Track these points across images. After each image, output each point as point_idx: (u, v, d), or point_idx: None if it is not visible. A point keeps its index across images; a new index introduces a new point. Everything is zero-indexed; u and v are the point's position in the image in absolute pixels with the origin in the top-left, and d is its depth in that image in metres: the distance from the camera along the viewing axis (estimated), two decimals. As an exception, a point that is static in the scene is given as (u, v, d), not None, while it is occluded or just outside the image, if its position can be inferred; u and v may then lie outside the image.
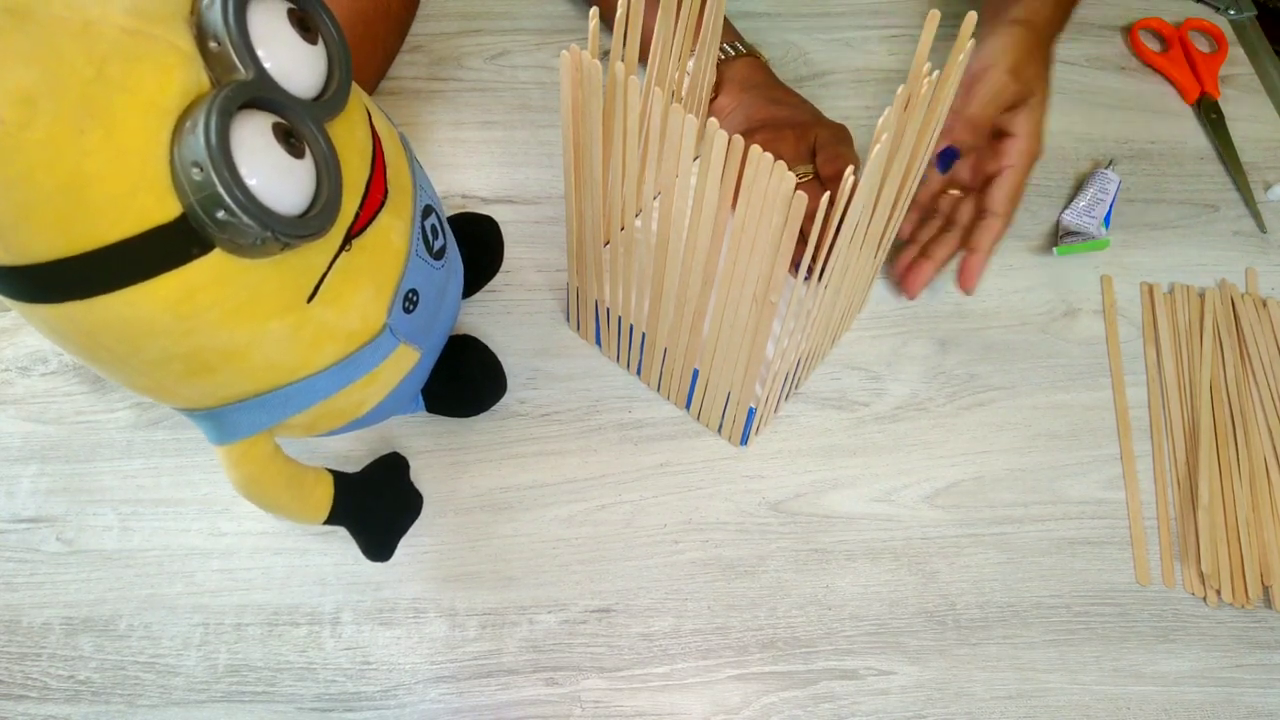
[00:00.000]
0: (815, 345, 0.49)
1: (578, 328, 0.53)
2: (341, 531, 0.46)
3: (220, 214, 0.28)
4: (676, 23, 0.45)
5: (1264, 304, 0.58)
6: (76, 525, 0.46)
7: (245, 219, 0.28)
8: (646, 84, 0.43)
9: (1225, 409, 0.53)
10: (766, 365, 0.46)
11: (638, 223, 0.47)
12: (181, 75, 0.27)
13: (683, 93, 0.51)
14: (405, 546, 0.46)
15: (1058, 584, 0.48)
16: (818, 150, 0.52)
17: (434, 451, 0.49)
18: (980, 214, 0.53)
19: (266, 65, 0.29)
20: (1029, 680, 0.45)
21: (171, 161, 0.27)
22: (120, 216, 0.27)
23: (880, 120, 0.34)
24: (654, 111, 0.38)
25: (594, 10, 0.35)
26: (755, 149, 0.33)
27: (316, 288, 0.33)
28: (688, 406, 0.50)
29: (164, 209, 0.28)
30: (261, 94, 0.29)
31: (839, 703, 0.44)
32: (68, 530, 0.46)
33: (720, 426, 0.50)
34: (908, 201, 0.45)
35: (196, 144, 0.27)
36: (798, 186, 0.34)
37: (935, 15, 0.36)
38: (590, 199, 0.42)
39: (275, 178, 0.29)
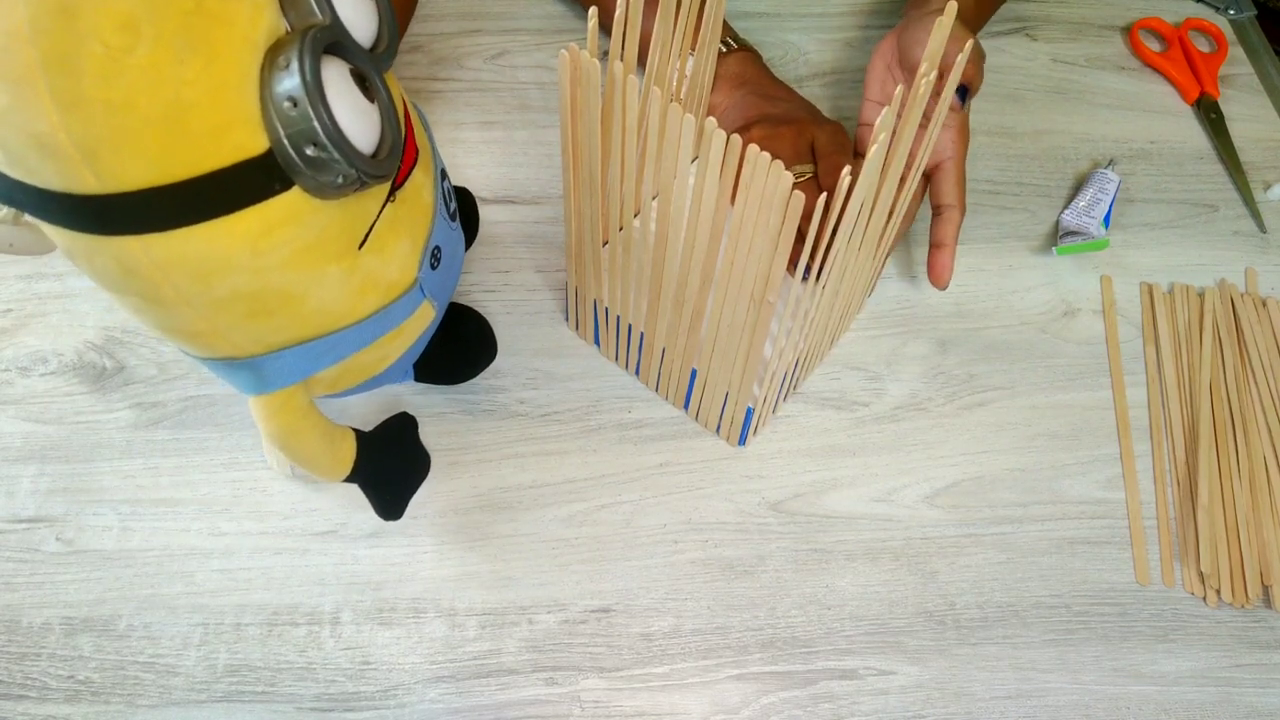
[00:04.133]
0: (814, 345, 0.49)
1: (577, 327, 0.53)
2: (341, 531, 0.46)
3: (310, 149, 0.29)
4: (676, 22, 0.45)
5: (1264, 304, 0.58)
6: (76, 525, 0.46)
7: (335, 154, 0.29)
8: (645, 83, 0.43)
9: (1225, 409, 0.53)
10: (764, 365, 0.46)
11: (636, 222, 0.48)
12: (269, 14, 0.28)
13: (681, 93, 0.51)
14: (405, 546, 0.46)
15: (1057, 584, 0.48)
16: (818, 159, 0.52)
17: (434, 451, 0.49)
18: (936, 209, 0.53)
19: (340, 12, 0.31)
20: (1029, 680, 0.45)
21: (263, 96, 0.28)
22: (216, 148, 0.28)
23: (878, 120, 0.34)
24: (653, 111, 0.38)
25: (593, 10, 0.36)
26: (753, 148, 0.33)
27: (367, 235, 0.34)
28: (686, 406, 0.50)
29: (255, 142, 0.28)
30: (337, 39, 0.30)
31: (839, 703, 0.44)
32: (67, 530, 0.46)
33: (718, 426, 0.50)
34: (906, 202, 0.45)
35: (291, 79, 0.28)
36: (796, 186, 0.34)
37: (945, 21, 0.36)
38: (589, 199, 0.43)
39: (356, 118, 0.30)
